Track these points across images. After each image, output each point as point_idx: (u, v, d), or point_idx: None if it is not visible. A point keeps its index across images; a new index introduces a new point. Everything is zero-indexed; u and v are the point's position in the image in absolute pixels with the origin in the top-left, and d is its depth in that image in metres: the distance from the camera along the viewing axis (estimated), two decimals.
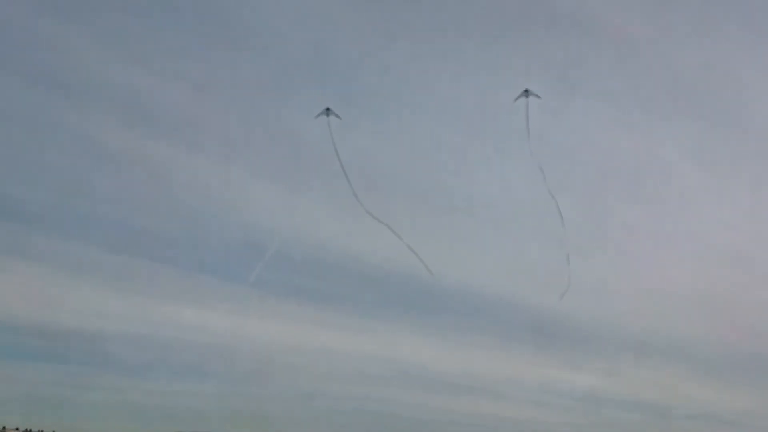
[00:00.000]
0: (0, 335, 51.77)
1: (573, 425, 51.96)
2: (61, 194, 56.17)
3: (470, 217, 54.07)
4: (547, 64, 49.53)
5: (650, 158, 56.53)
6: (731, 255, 54.13)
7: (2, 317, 51.22)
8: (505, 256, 54.51)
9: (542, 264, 51.94)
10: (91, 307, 52.15)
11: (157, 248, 55.20)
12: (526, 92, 43.40)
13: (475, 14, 53.42)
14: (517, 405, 51.14)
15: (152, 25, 56.92)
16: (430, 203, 54.48)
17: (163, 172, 56.63)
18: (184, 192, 56.72)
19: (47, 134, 56.79)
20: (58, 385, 50.61)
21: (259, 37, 56.32)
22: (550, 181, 48.41)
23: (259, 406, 51.40)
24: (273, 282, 53.60)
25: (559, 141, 54.38)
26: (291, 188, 53.97)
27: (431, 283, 51.10)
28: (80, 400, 50.68)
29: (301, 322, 52.96)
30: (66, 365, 51.31)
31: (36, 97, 56.36)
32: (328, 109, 44.01)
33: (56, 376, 50.55)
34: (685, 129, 57.46)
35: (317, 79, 55.44)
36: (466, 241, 53.81)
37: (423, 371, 52.16)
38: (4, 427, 54.89)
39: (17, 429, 55.03)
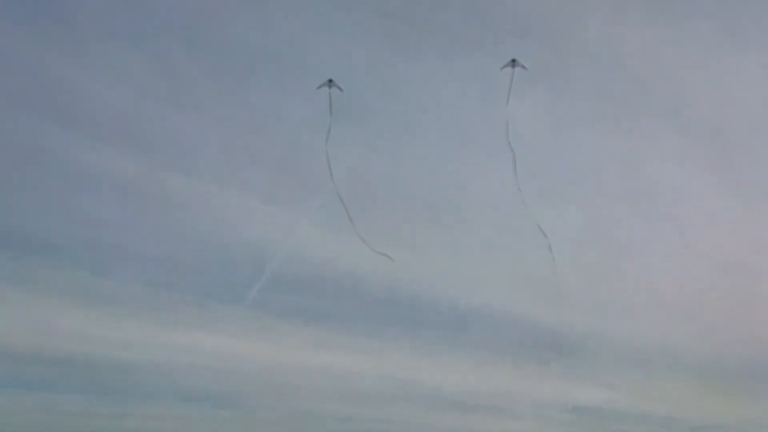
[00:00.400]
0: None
1: None
2: (62, 221, 56.30)
3: (468, 232, 53.74)
4: (537, 75, 49.29)
5: (649, 169, 56.08)
6: (736, 264, 53.62)
7: (2, 346, 51.44)
8: (503, 270, 54.12)
9: (542, 277, 51.55)
10: (91, 334, 52.05)
11: (154, 272, 55.21)
12: (513, 62, 43.54)
13: (464, 25, 53.16)
14: (519, 420, 50.83)
15: (156, 53, 57.13)
16: (425, 218, 54.25)
17: (159, 195, 56.62)
18: (181, 215, 56.74)
19: (48, 162, 56.93)
20: (59, 413, 50.49)
21: (260, 61, 56.41)
22: (543, 191, 48.47)
23: (259, 427, 51.45)
24: (272, 302, 53.46)
25: (552, 154, 53.99)
26: (288, 208, 53.87)
27: (431, 301, 51.08)
28: (81, 428, 50.74)
29: (301, 342, 52.75)
30: (65, 394, 51.24)
31: (38, 126, 56.59)
32: (330, 81, 43.41)
33: (56, 405, 50.46)
34: (681, 135, 56.95)
35: (315, 94, 55.15)
36: (462, 255, 53.50)
37: (424, 389, 51.86)
38: None
39: None
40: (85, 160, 55.17)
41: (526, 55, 45.66)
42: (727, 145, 56.37)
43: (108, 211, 56.03)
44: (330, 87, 45.07)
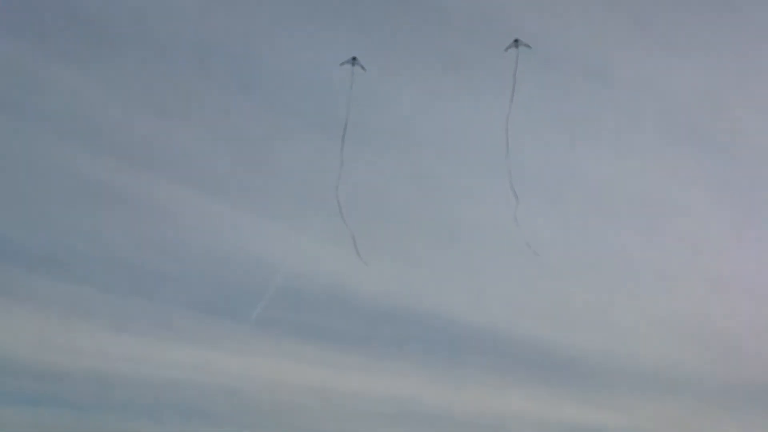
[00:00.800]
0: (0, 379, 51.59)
1: None
2: (63, 235, 56.14)
3: (472, 251, 53.64)
4: (531, 92, 49.45)
5: (653, 189, 56.07)
6: (741, 286, 53.49)
7: (2, 361, 51.12)
8: (508, 290, 53.96)
9: (547, 298, 51.43)
10: (93, 349, 51.81)
11: (158, 287, 55.05)
12: (516, 42, 42.59)
13: (462, 45, 53.35)
14: None
15: (157, 68, 57.19)
16: (429, 237, 54.15)
17: (164, 211, 56.60)
18: (185, 231, 56.66)
19: (47, 175, 56.84)
20: (60, 429, 50.33)
21: (262, 79, 56.49)
22: (543, 213, 48.53)
23: None
24: (276, 320, 53.19)
25: (551, 175, 54.13)
26: (294, 226, 53.77)
27: (436, 321, 50.89)
28: None
29: (304, 360, 52.54)
30: (67, 409, 50.97)
31: (38, 139, 56.51)
32: (354, 59, 43.17)
33: (57, 420, 50.21)
34: (685, 156, 57.00)
35: (312, 109, 55.34)
36: (468, 275, 53.34)
37: (428, 409, 51.62)
38: None
39: None
40: (90, 173, 55.21)
41: (527, 69, 45.70)
42: (732, 165, 56.42)
43: (109, 226, 55.97)
44: (353, 65, 44.75)
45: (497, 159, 47.70)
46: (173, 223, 56.12)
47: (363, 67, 44.36)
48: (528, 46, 44.09)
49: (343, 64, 44.67)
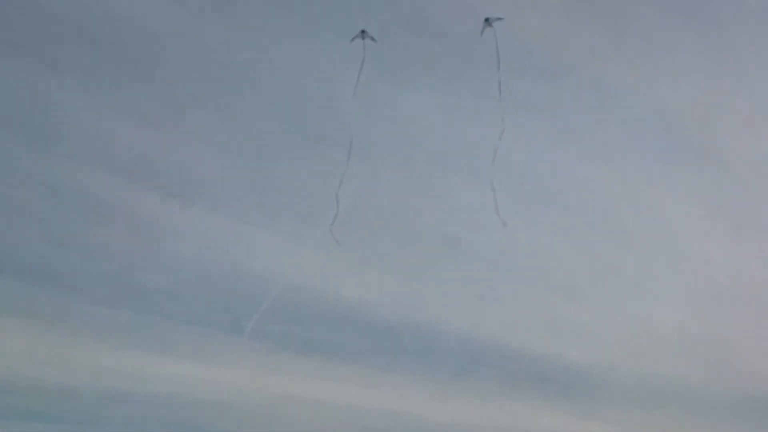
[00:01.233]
0: None
1: None
2: (58, 250, 55.52)
3: (472, 264, 53.54)
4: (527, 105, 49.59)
5: (643, 203, 56.37)
6: (736, 299, 53.69)
7: (3, 377, 50.41)
8: (507, 303, 53.87)
9: (546, 311, 51.36)
10: (87, 365, 51.17)
11: (152, 301, 54.49)
12: (487, 20, 39.55)
13: (460, 57, 53.42)
14: None
15: (151, 80, 56.89)
16: (429, 249, 54.01)
17: (158, 224, 56.14)
18: (179, 244, 56.22)
19: (43, 189, 56.30)
20: None
21: (261, 89, 56.31)
22: (540, 224, 48.49)
23: None
24: (272, 333, 52.77)
25: (542, 186, 54.29)
26: (290, 238, 53.51)
27: (437, 334, 50.57)
28: None
29: (302, 375, 51.98)
30: (60, 424, 50.26)
31: (34, 153, 56.02)
32: (363, 32, 42.00)
33: None
34: (677, 169, 57.34)
35: (310, 122, 55.27)
36: (467, 288, 53.19)
37: (427, 423, 51.20)
38: None
39: None
40: (84, 187, 54.74)
41: (519, 90, 45.68)
42: (725, 177, 56.82)
43: (102, 239, 55.41)
44: (363, 38, 44.00)
45: (496, 171, 47.75)
46: (166, 236, 55.63)
47: (373, 38, 43.46)
48: (500, 18, 42.30)
49: (353, 39, 43.74)
